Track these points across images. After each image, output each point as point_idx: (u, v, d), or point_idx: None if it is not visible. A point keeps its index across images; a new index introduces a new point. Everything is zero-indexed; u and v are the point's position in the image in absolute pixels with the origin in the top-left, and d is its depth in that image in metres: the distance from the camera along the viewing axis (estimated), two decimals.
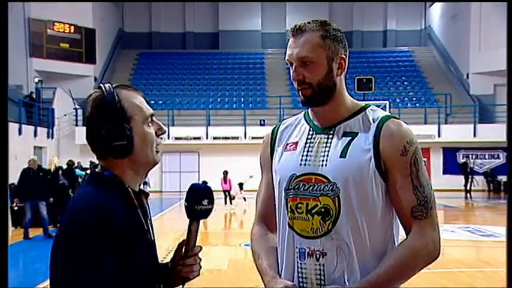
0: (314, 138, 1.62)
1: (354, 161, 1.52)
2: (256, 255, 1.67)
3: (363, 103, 1.66)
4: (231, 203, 15.06)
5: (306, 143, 1.62)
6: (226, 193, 15.24)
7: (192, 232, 1.47)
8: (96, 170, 1.43)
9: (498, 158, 21.70)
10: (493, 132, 20.23)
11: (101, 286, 1.25)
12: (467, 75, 24.30)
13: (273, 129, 1.76)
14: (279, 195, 1.64)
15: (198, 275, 1.51)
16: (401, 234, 1.60)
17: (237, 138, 21.22)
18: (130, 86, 1.45)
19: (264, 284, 1.60)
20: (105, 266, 1.25)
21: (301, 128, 1.67)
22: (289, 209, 1.59)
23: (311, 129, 1.64)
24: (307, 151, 1.60)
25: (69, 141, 20.49)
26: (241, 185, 15.81)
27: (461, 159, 21.23)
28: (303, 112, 1.72)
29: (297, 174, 1.58)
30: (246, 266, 7.21)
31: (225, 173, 15.25)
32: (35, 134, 18.05)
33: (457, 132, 20.55)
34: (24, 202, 9.83)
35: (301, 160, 1.60)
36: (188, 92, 25.29)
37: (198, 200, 1.45)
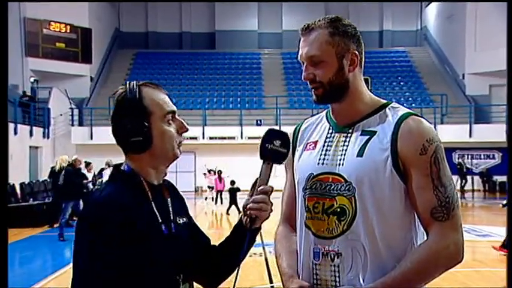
0: (333, 137, 1.59)
1: (370, 160, 1.49)
2: (278, 255, 1.67)
3: (384, 100, 1.62)
4: (221, 203, 14.73)
5: (325, 141, 1.60)
6: (219, 193, 14.96)
7: (262, 172, 1.49)
8: (119, 164, 1.51)
9: (493, 158, 21.77)
10: (488, 133, 20.28)
11: (99, 274, 1.30)
12: (463, 75, 24.36)
13: (295, 128, 1.74)
14: (298, 195, 1.63)
15: (267, 217, 1.49)
16: None
17: (233, 138, 21.20)
18: (154, 84, 1.50)
19: (283, 284, 1.60)
20: (106, 257, 1.30)
21: (322, 126, 1.65)
22: (306, 209, 1.58)
23: (330, 127, 1.62)
24: (326, 150, 1.58)
25: (65, 141, 20.43)
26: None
27: (457, 160, 21.28)
28: (326, 110, 1.69)
29: (315, 174, 1.57)
30: (244, 266, 7.20)
31: (219, 172, 15.10)
32: (31, 134, 17.98)
33: (453, 133, 20.57)
34: (67, 202, 9.74)
35: (319, 159, 1.58)
36: (184, 92, 25.25)
37: (270, 140, 1.48)
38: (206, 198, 15.96)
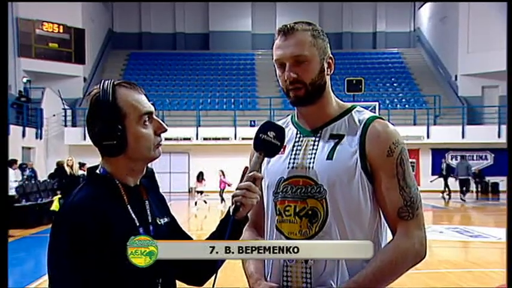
0: (301, 141, 1.62)
1: (340, 163, 1.53)
2: (244, 260, 1.67)
3: (349, 104, 1.67)
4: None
5: (293, 146, 1.63)
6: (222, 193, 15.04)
7: (253, 162, 1.47)
8: (94, 167, 1.46)
9: (486, 159, 21.86)
10: (481, 134, 20.37)
11: (77, 277, 1.27)
12: (456, 76, 24.47)
13: None
14: (267, 199, 1.65)
15: (252, 205, 1.45)
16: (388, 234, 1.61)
17: (227, 139, 21.18)
18: (131, 83, 1.43)
19: (249, 287, 1.61)
20: (83, 261, 1.27)
21: (289, 131, 1.67)
22: (277, 212, 1.59)
23: (298, 132, 1.65)
24: (295, 154, 1.61)
25: (58, 142, 20.34)
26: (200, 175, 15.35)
27: (450, 161, 21.33)
28: (290, 115, 1.73)
29: (285, 178, 1.59)
30: (236, 267, 7.20)
31: (221, 171, 15.17)
32: (23, 135, 17.89)
33: (445, 134, 20.67)
34: None
35: (289, 163, 1.60)
36: (178, 93, 25.22)
37: (264, 130, 1.49)
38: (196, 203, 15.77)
